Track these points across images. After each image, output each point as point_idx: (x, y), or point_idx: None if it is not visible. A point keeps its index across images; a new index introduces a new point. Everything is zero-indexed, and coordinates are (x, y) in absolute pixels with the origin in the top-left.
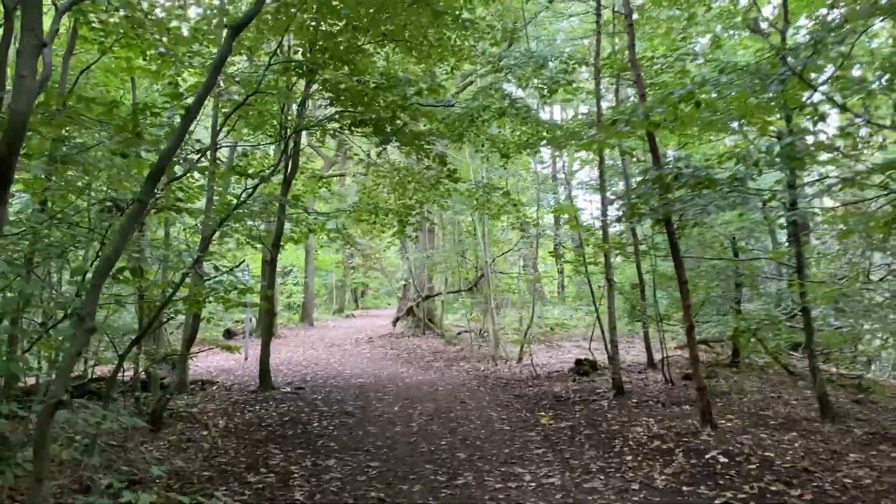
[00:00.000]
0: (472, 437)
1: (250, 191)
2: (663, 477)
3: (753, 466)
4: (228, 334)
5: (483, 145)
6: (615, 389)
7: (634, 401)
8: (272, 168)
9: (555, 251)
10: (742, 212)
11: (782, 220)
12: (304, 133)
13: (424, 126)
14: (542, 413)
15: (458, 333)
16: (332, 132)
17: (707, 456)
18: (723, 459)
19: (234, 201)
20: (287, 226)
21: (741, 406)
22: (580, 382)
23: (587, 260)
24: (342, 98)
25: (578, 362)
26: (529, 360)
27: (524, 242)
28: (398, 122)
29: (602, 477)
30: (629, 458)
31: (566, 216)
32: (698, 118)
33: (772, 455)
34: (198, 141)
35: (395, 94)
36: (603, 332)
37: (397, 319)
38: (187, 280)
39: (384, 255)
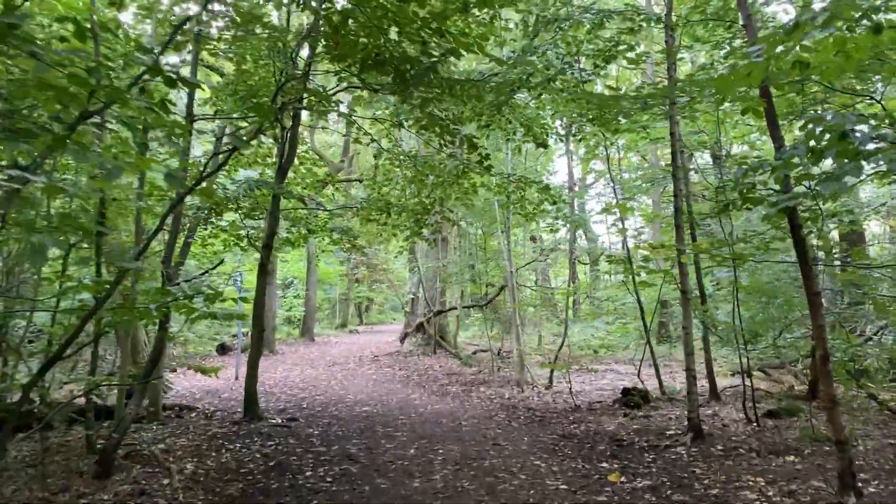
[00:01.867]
0: (518, 502)
1: (223, 156)
2: None
3: None
4: (223, 349)
5: (515, 133)
6: (692, 432)
7: (720, 448)
8: (256, 128)
9: (591, 261)
10: None
11: None
12: (303, 114)
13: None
14: (606, 464)
15: (474, 353)
16: (335, 105)
17: None
18: None
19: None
20: (283, 225)
21: (868, 458)
22: (633, 418)
23: (640, 269)
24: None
25: (626, 392)
26: (568, 386)
27: (543, 253)
28: (430, 56)
29: None
30: None
31: (611, 216)
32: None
33: None
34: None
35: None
36: (653, 354)
37: (405, 336)
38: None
39: (391, 265)
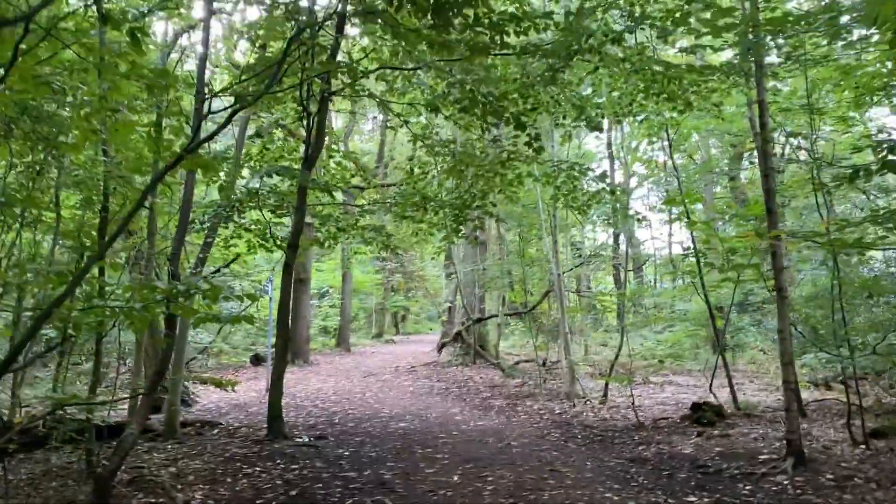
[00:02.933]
0: None
1: (226, 115)
2: None
3: None
4: (257, 360)
5: (564, 117)
6: (793, 456)
7: (829, 476)
8: (274, 72)
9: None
10: None
11: None
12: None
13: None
14: (693, 497)
15: (516, 363)
16: (364, 87)
17: None
18: None
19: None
20: (309, 220)
21: None
22: (710, 438)
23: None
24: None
25: (696, 407)
26: (630, 400)
27: (588, 258)
28: None
29: None
30: None
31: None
32: None
33: None
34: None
35: None
36: (726, 364)
37: (443, 346)
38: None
39: (426, 273)
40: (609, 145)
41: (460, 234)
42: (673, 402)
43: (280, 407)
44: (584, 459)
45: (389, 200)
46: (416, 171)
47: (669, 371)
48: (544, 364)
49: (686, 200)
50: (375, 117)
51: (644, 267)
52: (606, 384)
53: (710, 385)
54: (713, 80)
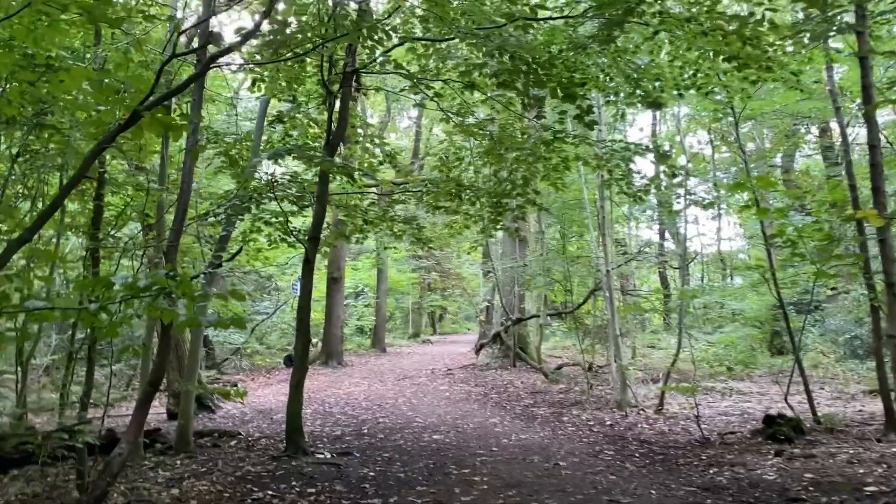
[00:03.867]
0: None
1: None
2: None
3: None
4: (290, 361)
5: (617, 92)
6: None
7: None
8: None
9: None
10: None
11: None
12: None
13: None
14: None
15: (559, 367)
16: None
17: None
18: None
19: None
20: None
21: None
22: (792, 458)
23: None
24: None
25: (769, 420)
26: (693, 413)
27: (635, 255)
28: None
29: None
30: None
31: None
32: None
33: None
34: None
35: None
36: (803, 372)
37: (481, 347)
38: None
39: (463, 271)
40: (654, 131)
41: (499, 226)
42: (737, 412)
43: (300, 418)
44: (647, 486)
45: (420, 189)
46: (450, 155)
47: (727, 376)
48: (590, 368)
49: (756, 185)
50: (410, 112)
51: (692, 265)
52: (663, 393)
53: (787, 394)
54: (799, 39)
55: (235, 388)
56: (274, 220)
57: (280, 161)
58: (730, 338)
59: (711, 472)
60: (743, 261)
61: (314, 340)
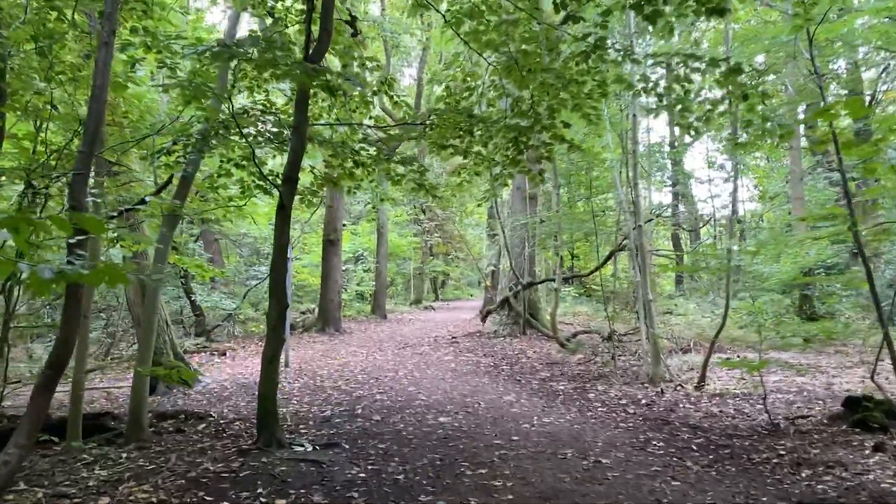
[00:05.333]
0: None
1: None
2: None
3: None
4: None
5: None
6: None
7: None
8: None
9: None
10: None
11: None
12: None
13: None
14: None
15: (574, 335)
16: None
17: None
18: None
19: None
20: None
21: None
22: (890, 450)
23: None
24: None
25: (853, 403)
26: (756, 392)
27: (659, 215)
28: None
29: None
30: None
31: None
32: None
33: None
34: None
35: None
36: (891, 345)
37: (488, 314)
38: None
39: (467, 233)
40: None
41: (519, 168)
42: (795, 389)
43: (274, 401)
44: (728, 497)
45: (423, 123)
46: (459, 83)
47: (766, 347)
48: (610, 337)
49: (842, 110)
50: (411, 71)
51: (703, 228)
52: (705, 366)
53: (874, 372)
54: None
55: (176, 370)
56: (246, 162)
57: (257, 89)
58: (758, 304)
59: (804, 474)
60: (743, 225)
61: (311, 307)
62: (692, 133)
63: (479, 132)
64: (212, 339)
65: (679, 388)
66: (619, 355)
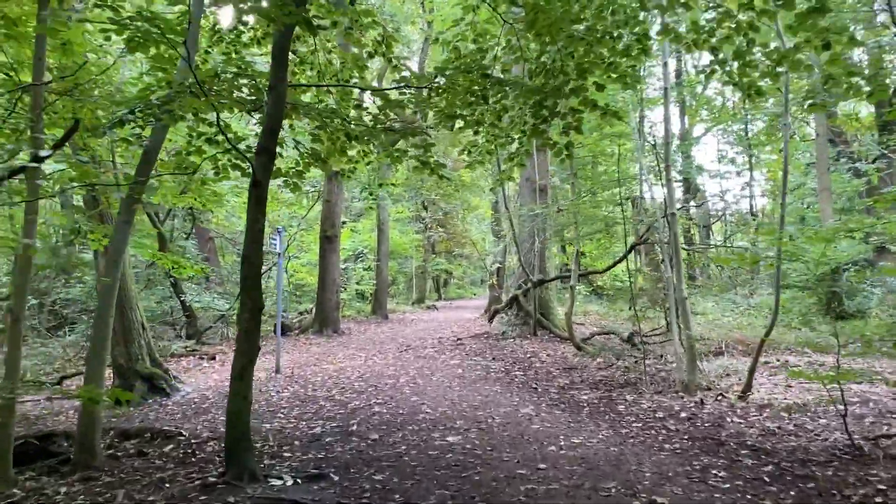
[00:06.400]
0: None
1: None
2: None
3: None
4: (282, 329)
5: None
6: None
7: None
8: None
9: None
10: None
11: None
12: None
13: None
14: None
15: (590, 336)
16: None
17: None
18: None
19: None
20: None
21: None
22: None
23: None
24: None
25: None
26: (835, 407)
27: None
28: None
29: None
30: None
31: None
32: None
33: None
34: None
35: None
36: None
37: (495, 313)
38: None
39: (472, 227)
40: (678, 73)
41: (543, 141)
42: (855, 399)
43: (246, 423)
44: None
45: (431, 84)
46: (469, 40)
47: (778, 348)
48: (630, 340)
49: None
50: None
51: (714, 224)
52: (751, 373)
53: None
54: None
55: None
56: (220, 137)
57: (236, 50)
58: (782, 302)
59: None
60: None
61: (310, 307)
62: (752, 94)
63: (495, 100)
64: (203, 341)
65: (720, 397)
66: (644, 359)
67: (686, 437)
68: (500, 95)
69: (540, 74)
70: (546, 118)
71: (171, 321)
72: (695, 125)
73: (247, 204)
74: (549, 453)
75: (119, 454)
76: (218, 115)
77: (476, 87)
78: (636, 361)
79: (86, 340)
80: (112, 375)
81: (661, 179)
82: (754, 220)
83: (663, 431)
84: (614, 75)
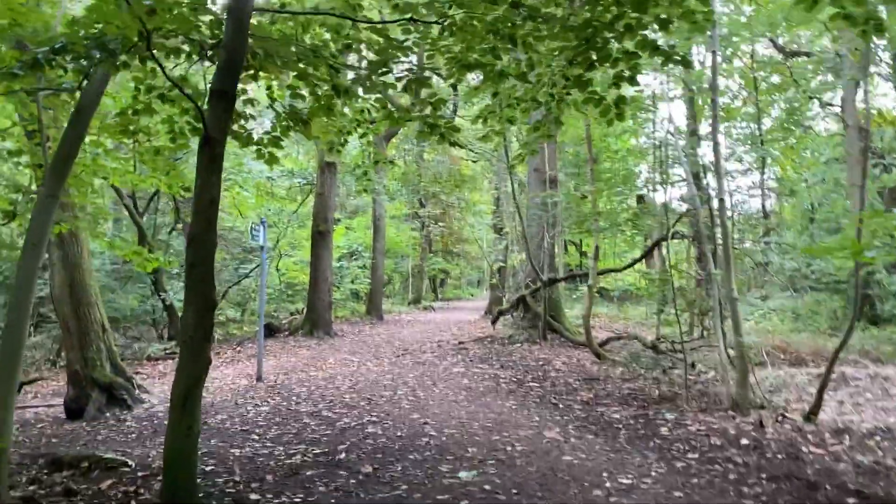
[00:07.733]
0: None
1: None
2: None
3: None
4: (270, 330)
5: None
6: None
7: None
8: None
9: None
10: None
11: None
12: None
13: None
14: None
15: (607, 341)
16: None
17: None
18: None
19: None
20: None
21: None
22: None
23: None
24: None
25: None
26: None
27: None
28: None
29: None
30: None
31: None
32: None
33: None
34: None
35: None
36: None
37: (499, 315)
38: None
39: (473, 222)
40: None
41: (587, 94)
42: None
43: (190, 466)
44: None
45: (442, 18)
46: None
47: (820, 355)
48: (654, 347)
49: None
50: None
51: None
52: (821, 391)
53: None
54: None
55: None
56: (176, 92)
57: None
58: (806, 305)
59: None
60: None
61: (302, 307)
62: (870, 30)
63: (526, 41)
64: None
65: (781, 418)
66: (672, 368)
67: (763, 474)
68: (531, 36)
69: (586, 5)
70: (594, 62)
71: (153, 321)
72: (700, 122)
73: (196, 167)
74: (594, 501)
75: (42, 491)
76: (159, 63)
77: (500, 25)
78: (664, 371)
79: (53, 341)
80: (66, 384)
81: (693, 168)
82: (766, 220)
83: (730, 466)
84: (679, 10)
